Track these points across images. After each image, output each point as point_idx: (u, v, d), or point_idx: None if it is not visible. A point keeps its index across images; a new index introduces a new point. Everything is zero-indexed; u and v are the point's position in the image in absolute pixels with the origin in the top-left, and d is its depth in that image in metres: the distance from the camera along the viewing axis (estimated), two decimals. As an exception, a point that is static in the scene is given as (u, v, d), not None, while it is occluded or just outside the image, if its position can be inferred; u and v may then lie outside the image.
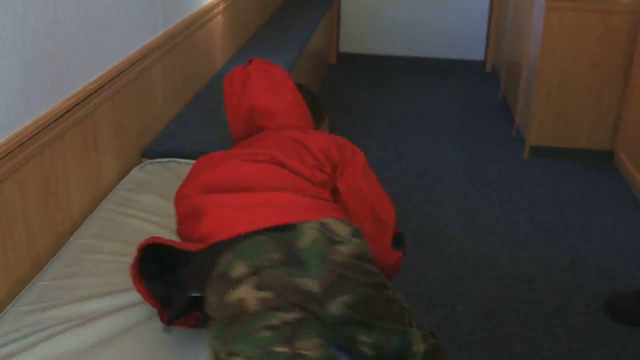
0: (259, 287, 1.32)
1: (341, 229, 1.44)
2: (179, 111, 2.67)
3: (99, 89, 1.98)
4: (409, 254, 2.71)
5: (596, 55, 3.49)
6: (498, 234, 2.95)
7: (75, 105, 1.85)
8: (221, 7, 3.21)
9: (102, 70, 2.03)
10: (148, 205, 1.97)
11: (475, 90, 4.86)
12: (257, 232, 1.38)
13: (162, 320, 1.44)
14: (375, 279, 1.44)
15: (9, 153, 1.57)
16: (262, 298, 1.31)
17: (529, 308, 2.47)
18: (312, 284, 1.34)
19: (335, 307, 1.35)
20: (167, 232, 1.83)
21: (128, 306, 1.55)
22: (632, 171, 3.33)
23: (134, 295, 1.56)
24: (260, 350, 1.27)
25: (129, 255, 1.73)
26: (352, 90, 4.81)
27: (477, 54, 5.33)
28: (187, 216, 1.55)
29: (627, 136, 3.45)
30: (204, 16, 2.95)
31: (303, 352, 1.27)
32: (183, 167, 2.22)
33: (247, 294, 1.31)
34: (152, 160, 2.27)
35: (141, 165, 2.23)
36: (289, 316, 1.30)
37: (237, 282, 1.33)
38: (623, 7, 3.39)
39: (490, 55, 5.29)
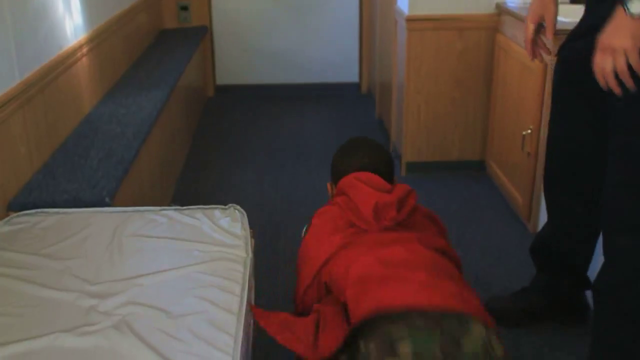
0: None
1: (499, 349, 1.57)
2: (45, 160, 2.60)
3: (-48, 145, 1.91)
4: (291, 285, 2.75)
5: (458, 71, 3.65)
6: (380, 252, 3.02)
7: None
8: (85, 49, 3.16)
9: (-46, 126, 1.96)
10: (14, 260, 1.91)
11: (352, 112, 4.97)
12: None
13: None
14: None
15: None
16: None
17: (413, 322, 2.54)
18: None
19: None
20: (35, 286, 1.78)
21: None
22: (503, 179, 3.48)
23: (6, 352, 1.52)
24: None
25: (-6, 315, 1.68)
26: (231, 122, 4.83)
27: (352, 76, 5.47)
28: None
29: (495, 146, 3.62)
30: (66, 61, 2.90)
31: None
32: (51, 217, 2.17)
33: None
34: (18, 213, 2.20)
35: (6, 219, 2.16)
36: None
37: (398, 356, 1.51)
38: (478, 24, 3.56)
39: (364, 77, 5.43)
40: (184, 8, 5.19)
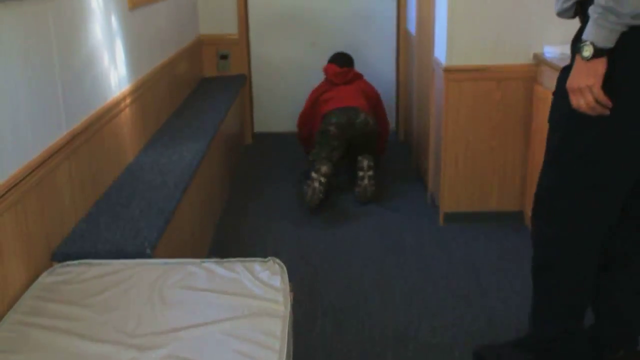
0: (337, 128, 4.23)
1: (370, 120, 4.29)
2: (89, 209, 2.65)
3: (-1, 198, 1.96)
4: (329, 335, 2.74)
5: (497, 120, 3.65)
6: (417, 303, 3.00)
7: (-26, 218, 1.83)
8: (128, 100, 3.24)
9: (1, 180, 2.01)
10: (57, 312, 1.94)
11: (389, 160, 4.97)
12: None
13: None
14: (369, 138, 4.35)
15: None
16: (335, 132, 4.23)
17: (452, 376, 2.51)
18: (355, 135, 4.28)
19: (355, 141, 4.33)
20: (76, 338, 1.80)
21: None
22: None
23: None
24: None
25: (37, 367, 1.71)
26: (268, 169, 4.87)
27: (390, 123, 5.48)
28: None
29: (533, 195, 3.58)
30: (111, 111, 2.97)
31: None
32: (94, 268, 2.20)
33: (332, 129, 4.25)
34: (62, 264, 2.23)
35: (50, 269, 2.20)
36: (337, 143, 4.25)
37: (332, 124, 4.25)
38: (516, 74, 3.57)
39: (401, 125, 5.45)
40: (224, 57, 5.29)
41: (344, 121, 4.24)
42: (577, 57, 2.05)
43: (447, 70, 3.58)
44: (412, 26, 4.91)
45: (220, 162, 4.17)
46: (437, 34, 3.80)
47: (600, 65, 2.02)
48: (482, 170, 3.73)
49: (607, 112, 2.04)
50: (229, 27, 5.27)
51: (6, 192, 2.00)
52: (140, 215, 2.58)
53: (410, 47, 5.04)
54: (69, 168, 2.48)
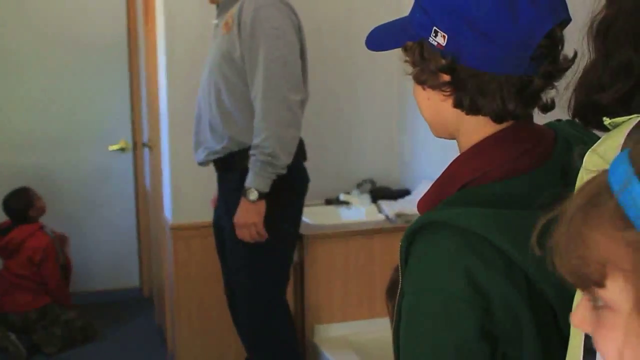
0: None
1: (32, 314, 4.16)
2: None
3: None
4: None
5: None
6: None
7: None
8: None
9: None
10: None
11: (133, 319, 4.78)
12: None
13: None
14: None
15: None
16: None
17: None
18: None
19: None
20: None
21: None
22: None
23: None
24: None
25: None
26: None
27: (133, 281, 5.33)
28: None
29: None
30: None
31: None
32: None
33: None
34: None
35: None
36: None
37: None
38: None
39: (145, 282, 5.30)
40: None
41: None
42: (243, 199, 2.56)
43: (174, 229, 3.56)
44: (148, 182, 4.90)
45: None
46: (165, 191, 3.82)
47: (262, 205, 2.56)
48: (218, 326, 3.69)
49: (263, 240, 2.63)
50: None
51: None
52: None
53: (147, 204, 5.01)
54: None
